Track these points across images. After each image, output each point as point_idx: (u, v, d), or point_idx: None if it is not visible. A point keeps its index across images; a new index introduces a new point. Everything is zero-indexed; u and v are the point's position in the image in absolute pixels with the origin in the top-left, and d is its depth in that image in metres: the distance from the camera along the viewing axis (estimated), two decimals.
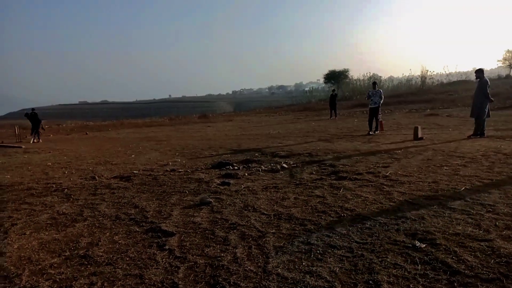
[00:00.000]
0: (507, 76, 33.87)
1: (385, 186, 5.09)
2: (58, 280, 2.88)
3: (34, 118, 17.51)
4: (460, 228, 3.43)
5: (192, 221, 4.12)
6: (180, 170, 7.38)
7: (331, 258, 2.98)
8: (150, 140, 14.72)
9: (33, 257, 3.36)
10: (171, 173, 7.13)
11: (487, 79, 9.64)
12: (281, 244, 3.35)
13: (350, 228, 3.62)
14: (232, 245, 3.38)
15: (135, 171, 7.40)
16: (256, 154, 8.90)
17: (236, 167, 7.34)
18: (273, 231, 3.70)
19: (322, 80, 48.93)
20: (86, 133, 22.50)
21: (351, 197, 4.69)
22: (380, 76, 45.15)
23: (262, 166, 7.27)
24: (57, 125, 31.11)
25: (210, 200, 4.86)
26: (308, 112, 30.76)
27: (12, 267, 3.16)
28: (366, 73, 44.65)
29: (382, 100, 12.25)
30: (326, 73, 46.08)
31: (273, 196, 5.04)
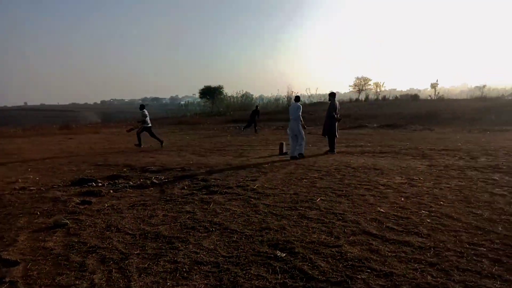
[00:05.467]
0: (356, 100, 39.26)
1: (252, 199, 5.31)
2: None
3: None
4: (315, 236, 3.77)
5: (42, 247, 3.62)
6: (32, 188, 6.47)
7: (197, 275, 2.95)
8: None
9: None
10: (20, 191, 6.20)
11: (336, 102, 10.79)
12: (145, 265, 3.18)
13: (218, 243, 3.66)
14: (89, 271, 3.07)
15: None
16: (125, 169, 8.39)
17: (100, 184, 6.78)
18: (138, 252, 3.50)
19: (198, 95, 48.89)
20: None
21: (220, 211, 4.76)
22: (252, 95, 47.74)
23: (130, 182, 6.88)
24: None
25: (66, 221, 4.36)
26: (183, 125, 30.50)
27: None
28: (239, 91, 46.86)
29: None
30: (201, 88, 46.54)
31: (140, 214, 4.79)
